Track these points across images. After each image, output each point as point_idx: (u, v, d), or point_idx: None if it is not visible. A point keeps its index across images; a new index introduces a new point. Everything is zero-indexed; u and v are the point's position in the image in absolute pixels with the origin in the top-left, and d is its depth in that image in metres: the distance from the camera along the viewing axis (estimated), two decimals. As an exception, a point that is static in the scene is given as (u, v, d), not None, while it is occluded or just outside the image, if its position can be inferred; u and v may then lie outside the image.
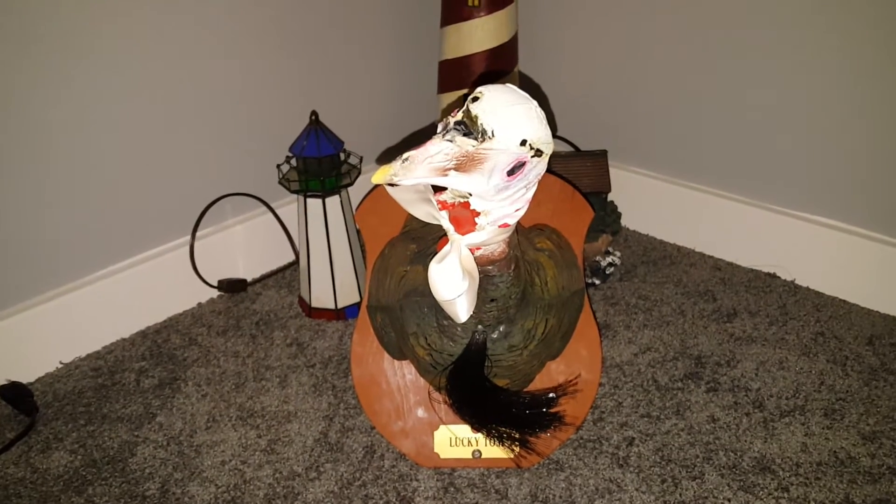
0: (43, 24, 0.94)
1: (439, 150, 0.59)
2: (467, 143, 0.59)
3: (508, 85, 0.62)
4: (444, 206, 0.67)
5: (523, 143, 0.60)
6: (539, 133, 0.60)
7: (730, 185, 1.27)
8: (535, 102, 0.61)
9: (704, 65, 1.22)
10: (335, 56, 1.28)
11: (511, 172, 0.61)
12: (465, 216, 0.66)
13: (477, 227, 0.66)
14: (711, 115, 1.24)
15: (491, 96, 0.60)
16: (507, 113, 0.59)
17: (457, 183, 0.60)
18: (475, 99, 0.60)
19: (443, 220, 0.67)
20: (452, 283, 0.67)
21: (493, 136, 0.59)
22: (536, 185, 0.66)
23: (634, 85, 1.32)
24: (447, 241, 0.69)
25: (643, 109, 1.32)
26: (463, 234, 0.67)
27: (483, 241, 0.68)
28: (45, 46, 0.95)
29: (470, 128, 0.59)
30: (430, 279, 0.68)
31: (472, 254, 0.69)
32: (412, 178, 0.58)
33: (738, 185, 1.26)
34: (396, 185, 0.59)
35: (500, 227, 0.67)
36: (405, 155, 0.58)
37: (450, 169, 0.59)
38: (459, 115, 0.60)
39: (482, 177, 0.61)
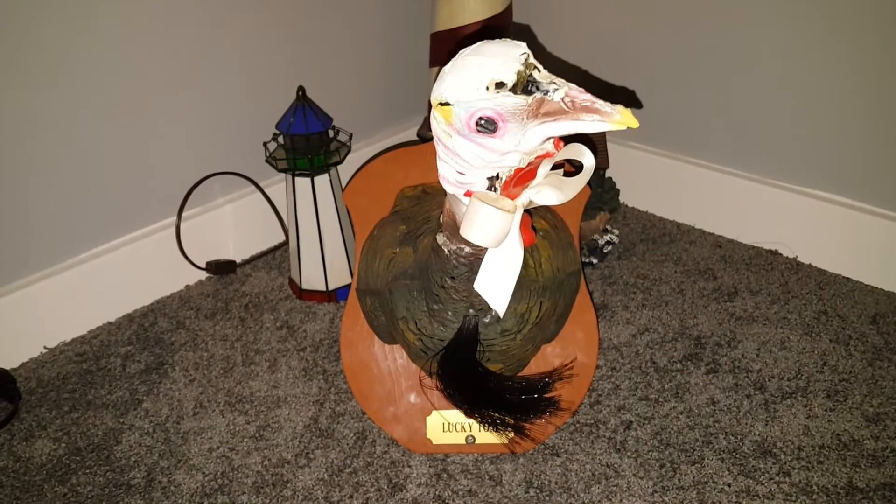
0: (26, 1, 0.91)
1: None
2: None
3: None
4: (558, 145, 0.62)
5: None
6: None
7: (731, 160, 1.23)
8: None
9: (705, 37, 1.18)
10: (322, 28, 1.24)
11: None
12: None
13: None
14: (712, 88, 1.21)
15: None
16: None
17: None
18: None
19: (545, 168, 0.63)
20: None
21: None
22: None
23: (633, 58, 1.28)
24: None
25: (642, 83, 1.29)
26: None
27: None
28: (24, 23, 0.91)
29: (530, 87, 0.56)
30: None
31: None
32: None
33: (740, 160, 1.22)
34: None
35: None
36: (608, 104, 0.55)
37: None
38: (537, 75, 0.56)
39: None
